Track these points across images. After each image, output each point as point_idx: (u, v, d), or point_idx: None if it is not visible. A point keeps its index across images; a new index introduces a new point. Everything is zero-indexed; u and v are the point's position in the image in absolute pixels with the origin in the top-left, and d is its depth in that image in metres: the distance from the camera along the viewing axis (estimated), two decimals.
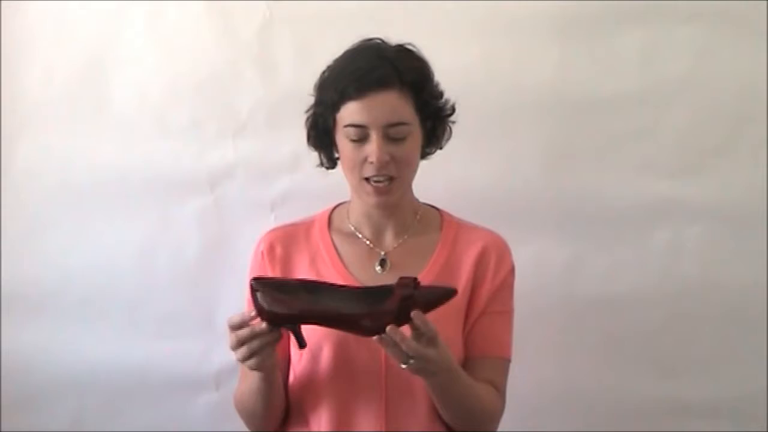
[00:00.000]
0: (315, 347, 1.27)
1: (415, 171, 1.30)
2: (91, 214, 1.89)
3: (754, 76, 1.72)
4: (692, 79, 1.74)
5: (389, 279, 1.28)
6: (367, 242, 1.32)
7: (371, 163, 1.22)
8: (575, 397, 1.81)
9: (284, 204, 1.83)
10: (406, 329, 1.11)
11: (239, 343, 1.14)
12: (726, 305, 1.77)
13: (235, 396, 1.33)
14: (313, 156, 1.38)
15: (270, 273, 1.32)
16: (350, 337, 1.25)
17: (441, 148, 1.35)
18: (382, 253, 1.32)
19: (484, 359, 1.30)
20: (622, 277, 1.78)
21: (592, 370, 1.80)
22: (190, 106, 1.85)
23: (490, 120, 1.75)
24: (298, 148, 1.75)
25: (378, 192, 1.24)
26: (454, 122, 1.34)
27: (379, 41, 1.28)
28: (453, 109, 1.33)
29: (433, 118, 1.29)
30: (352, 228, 1.34)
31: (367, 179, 1.24)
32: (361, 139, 1.22)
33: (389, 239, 1.33)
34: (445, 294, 1.16)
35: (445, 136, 1.34)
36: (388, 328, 1.09)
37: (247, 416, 1.31)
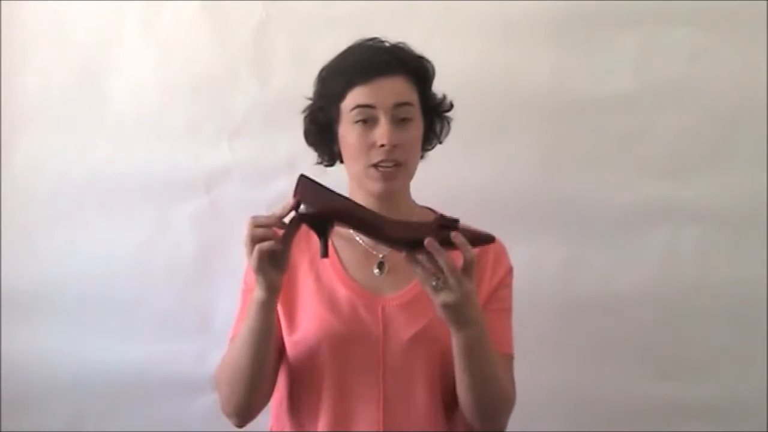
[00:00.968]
0: (313, 347, 1.27)
1: (418, 162, 1.31)
2: (89, 216, 1.89)
3: (752, 77, 1.72)
4: (689, 81, 1.74)
5: (387, 281, 1.30)
6: (365, 244, 1.33)
7: (381, 146, 1.23)
8: (573, 397, 1.81)
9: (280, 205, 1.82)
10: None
11: (258, 238, 1.13)
12: (724, 305, 1.77)
13: (219, 365, 1.31)
14: (310, 158, 1.38)
15: None
16: (348, 337, 1.26)
17: (441, 143, 1.37)
18: (380, 255, 1.32)
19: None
20: (619, 278, 1.78)
21: (590, 371, 1.80)
22: (186, 107, 1.85)
23: (487, 121, 1.76)
24: (294, 149, 1.77)
25: (385, 177, 1.24)
26: (452, 119, 1.36)
27: (375, 39, 1.31)
28: (451, 105, 1.35)
29: (432, 114, 1.32)
30: (351, 230, 1.34)
31: (374, 165, 1.25)
32: (369, 123, 1.24)
33: None
34: (485, 237, 1.17)
35: (444, 132, 1.37)
36: (427, 240, 1.09)
37: (231, 374, 1.26)
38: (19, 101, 1.90)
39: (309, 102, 1.35)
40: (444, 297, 1.12)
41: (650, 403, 1.79)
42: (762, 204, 1.73)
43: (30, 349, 1.92)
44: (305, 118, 1.35)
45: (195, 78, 1.84)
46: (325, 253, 1.16)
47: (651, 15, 1.73)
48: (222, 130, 1.85)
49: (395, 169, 1.25)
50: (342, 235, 1.34)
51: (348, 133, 1.27)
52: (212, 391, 1.85)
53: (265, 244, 1.13)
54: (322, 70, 1.32)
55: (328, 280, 1.30)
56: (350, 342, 1.26)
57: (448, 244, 1.11)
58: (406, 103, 1.25)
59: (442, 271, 1.11)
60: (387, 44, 1.30)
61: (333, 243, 1.33)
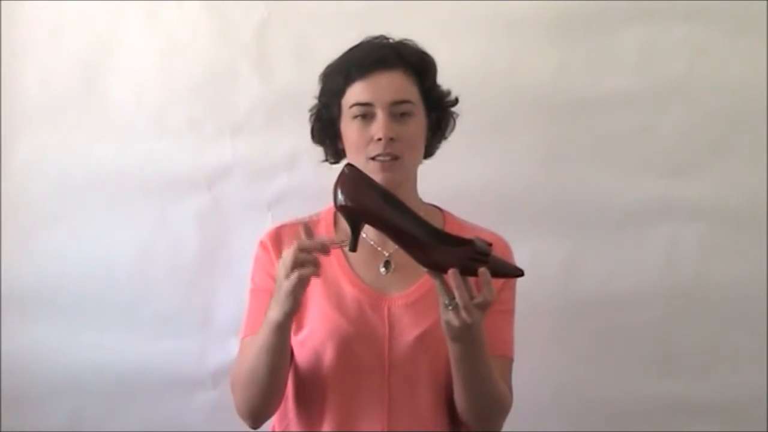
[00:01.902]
0: (319, 346, 1.27)
1: (418, 158, 1.31)
2: (89, 214, 1.89)
3: (753, 75, 1.72)
4: (690, 79, 1.74)
5: (393, 281, 1.29)
6: (372, 243, 1.32)
7: (378, 140, 1.23)
8: (574, 396, 1.81)
9: (281, 203, 1.83)
10: None
11: (300, 263, 1.10)
12: (725, 305, 1.76)
13: (234, 368, 1.30)
14: (312, 155, 1.38)
15: (275, 267, 1.30)
16: (355, 337, 1.25)
17: (445, 138, 1.36)
18: (386, 254, 1.32)
19: (490, 358, 1.30)
20: (620, 277, 1.78)
21: (591, 370, 1.80)
22: (187, 105, 1.85)
23: (488, 119, 1.75)
24: (295, 147, 1.78)
25: (383, 168, 1.24)
26: (458, 115, 1.35)
27: (381, 36, 1.31)
28: (456, 100, 1.34)
29: (437, 109, 1.31)
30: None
31: (372, 159, 1.24)
32: (367, 118, 1.24)
33: None
34: (513, 270, 1.16)
35: (450, 127, 1.36)
36: (450, 271, 1.09)
37: (248, 381, 1.24)
38: (20, 100, 1.89)
39: (312, 100, 1.35)
40: (451, 318, 1.12)
41: (651, 402, 1.79)
42: (763, 202, 1.73)
43: (30, 347, 1.91)
44: (310, 117, 1.35)
45: (196, 76, 1.84)
46: (353, 247, 1.15)
47: (652, 13, 1.73)
48: (223, 128, 1.85)
49: (392, 162, 1.24)
50: (347, 230, 1.34)
51: (348, 128, 1.27)
52: (213, 388, 1.88)
53: (307, 271, 1.10)
54: (325, 68, 1.32)
55: (335, 278, 1.30)
56: (356, 342, 1.26)
57: (474, 271, 1.11)
58: (405, 101, 1.25)
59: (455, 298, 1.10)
60: (391, 41, 1.30)
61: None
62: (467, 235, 1.29)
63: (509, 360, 1.33)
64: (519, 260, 1.36)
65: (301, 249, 1.11)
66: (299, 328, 1.29)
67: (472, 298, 1.10)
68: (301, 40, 1.80)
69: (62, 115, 1.88)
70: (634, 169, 1.76)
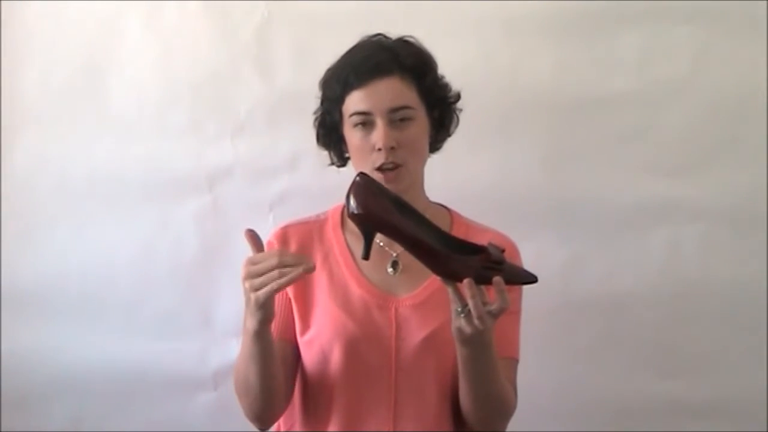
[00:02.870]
0: (326, 347, 1.27)
1: (423, 160, 1.31)
2: (90, 215, 1.89)
3: (754, 75, 1.72)
4: (691, 79, 1.74)
5: (401, 281, 1.29)
6: (380, 243, 1.31)
7: (379, 150, 1.22)
8: (573, 396, 1.81)
9: (283, 204, 1.83)
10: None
11: (268, 269, 1.08)
12: (726, 305, 1.76)
13: (234, 374, 1.29)
14: (313, 156, 1.38)
15: None
16: (361, 338, 1.25)
17: (450, 135, 1.36)
18: (394, 254, 1.31)
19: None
20: (621, 277, 1.78)
21: (591, 370, 1.80)
22: (188, 106, 1.85)
23: (489, 120, 1.75)
24: (296, 147, 1.78)
25: (386, 180, 1.23)
26: (461, 110, 1.35)
27: (380, 35, 1.30)
28: (458, 96, 1.34)
29: (439, 107, 1.31)
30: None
31: (377, 169, 1.24)
32: (367, 126, 1.24)
33: None
34: (527, 277, 1.16)
35: (453, 124, 1.35)
36: (465, 280, 1.08)
37: (244, 389, 1.25)
38: (20, 100, 1.89)
39: (313, 100, 1.34)
40: (462, 325, 1.12)
41: (651, 401, 1.79)
42: (763, 202, 1.73)
43: (31, 347, 1.92)
44: (315, 120, 1.35)
45: (197, 76, 1.84)
46: (366, 256, 1.15)
47: (653, 13, 1.72)
48: (224, 128, 1.85)
49: (396, 171, 1.24)
50: (356, 231, 1.33)
51: (350, 136, 1.27)
52: (214, 389, 1.88)
53: (284, 280, 1.08)
54: (326, 71, 1.31)
55: (341, 278, 1.30)
56: (363, 342, 1.26)
57: (488, 280, 1.10)
58: (403, 107, 1.24)
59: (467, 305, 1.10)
60: (389, 41, 1.29)
61: (346, 239, 1.33)
62: (475, 236, 1.29)
63: (515, 361, 1.33)
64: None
65: (252, 263, 1.10)
66: (305, 328, 1.30)
67: (484, 304, 1.09)
68: (302, 40, 1.80)
69: (63, 116, 1.89)
70: (635, 169, 1.76)
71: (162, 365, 1.88)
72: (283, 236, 1.33)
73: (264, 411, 1.27)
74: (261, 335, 1.16)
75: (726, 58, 1.73)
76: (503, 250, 1.13)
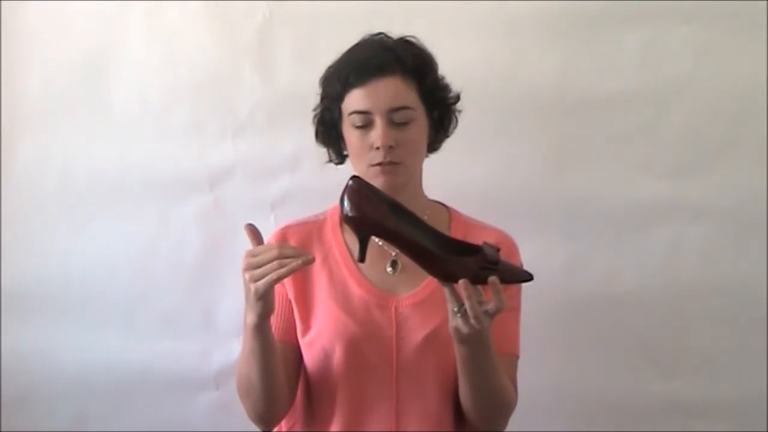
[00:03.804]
0: (327, 347, 1.27)
1: (421, 160, 1.31)
2: (91, 215, 1.89)
3: (755, 75, 1.72)
4: (692, 79, 1.74)
5: (400, 280, 1.29)
6: (379, 242, 1.31)
7: (377, 149, 1.23)
8: (574, 396, 1.81)
9: (284, 204, 1.83)
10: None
11: (268, 261, 1.09)
12: (726, 305, 1.76)
13: (236, 375, 1.30)
14: (314, 155, 1.38)
15: None
16: (362, 337, 1.26)
17: (448, 136, 1.36)
18: (393, 253, 1.32)
19: (495, 355, 1.30)
20: (621, 277, 1.78)
21: (592, 370, 1.80)
22: (189, 106, 1.85)
23: (490, 119, 1.75)
24: (297, 147, 1.78)
25: (383, 171, 1.24)
26: (460, 111, 1.35)
27: (381, 34, 1.31)
28: (458, 97, 1.34)
29: (439, 108, 1.31)
30: None
31: (374, 165, 1.24)
32: (366, 125, 1.24)
33: None
34: (523, 276, 1.17)
35: (453, 125, 1.36)
36: (461, 281, 1.09)
37: (246, 389, 1.25)
38: (22, 100, 1.89)
39: (314, 100, 1.35)
40: (459, 324, 1.12)
41: (652, 402, 1.79)
42: (764, 203, 1.73)
43: (32, 347, 1.91)
44: (314, 118, 1.35)
45: (199, 76, 1.84)
46: (362, 258, 1.15)
47: (655, 13, 1.72)
48: (226, 128, 1.85)
49: (393, 166, 1.24)
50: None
51: (349, 134, 1.28)
52: (215, 389, 1.88)
53: (272, 276, 1.09)
54: (327, 69, 1.32)
55: (341, 279, 1.30)
56: (364, 342, 1.26)
57: (484, 279, 1.11)
58: (403, 107, 1.24)
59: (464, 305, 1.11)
60: (391, 40, 1.29)
61: (345, 239, 1.33)
62: (474, 234, 1.30)
63: (515, 357, 1.34)
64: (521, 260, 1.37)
65: (252, 255, 1.11)
66: (306, 329, 1.30)
67: (481, 304, 1.10)
68: (303, 39, 1.80)
69: (64, 115, 1.88)
70: (636, 169, 1.76)
71: (163, 365, 1.88)
72: (283, 237, 1.33)
73: (266, 411, 1.27)
74: (261, 329, 1.17)
75: (728, 59, 1.73)
76: (498, 249, 1.14)
